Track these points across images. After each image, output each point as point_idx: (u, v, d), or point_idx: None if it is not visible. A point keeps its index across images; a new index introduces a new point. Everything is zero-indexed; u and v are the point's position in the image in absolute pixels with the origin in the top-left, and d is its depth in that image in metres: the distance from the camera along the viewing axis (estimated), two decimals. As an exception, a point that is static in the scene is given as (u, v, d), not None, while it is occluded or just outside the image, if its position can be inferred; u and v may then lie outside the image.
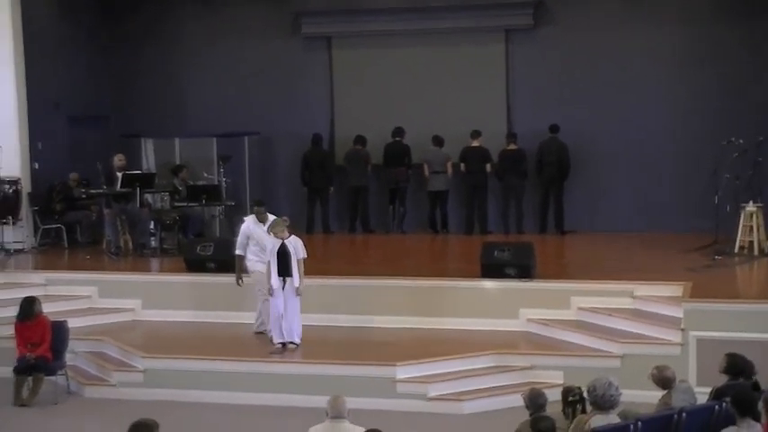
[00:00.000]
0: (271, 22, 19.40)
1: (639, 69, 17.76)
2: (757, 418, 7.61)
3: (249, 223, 13.00)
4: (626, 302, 13.00)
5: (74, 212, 17.65)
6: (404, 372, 11.86)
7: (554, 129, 17.69)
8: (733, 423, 7.78)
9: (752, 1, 16.61)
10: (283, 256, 12.25)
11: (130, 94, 19.72)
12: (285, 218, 12.69)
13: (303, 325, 12.56)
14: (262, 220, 12.90)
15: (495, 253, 13.67)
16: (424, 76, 18.69)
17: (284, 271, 12.26)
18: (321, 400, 8.46)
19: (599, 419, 7.82)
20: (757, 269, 14.29)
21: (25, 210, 17.12)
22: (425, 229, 18.40)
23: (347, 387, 10.66)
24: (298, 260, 12.28)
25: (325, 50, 19.32)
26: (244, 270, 13.10)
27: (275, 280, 12.27)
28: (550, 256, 15.53)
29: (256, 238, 12.83)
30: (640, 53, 17.76)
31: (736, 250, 14.77)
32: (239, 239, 13.04)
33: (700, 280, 13.04)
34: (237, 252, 13.06)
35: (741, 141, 15.13)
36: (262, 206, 13.09)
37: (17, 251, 16.82)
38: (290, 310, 12.33)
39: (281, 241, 12.26)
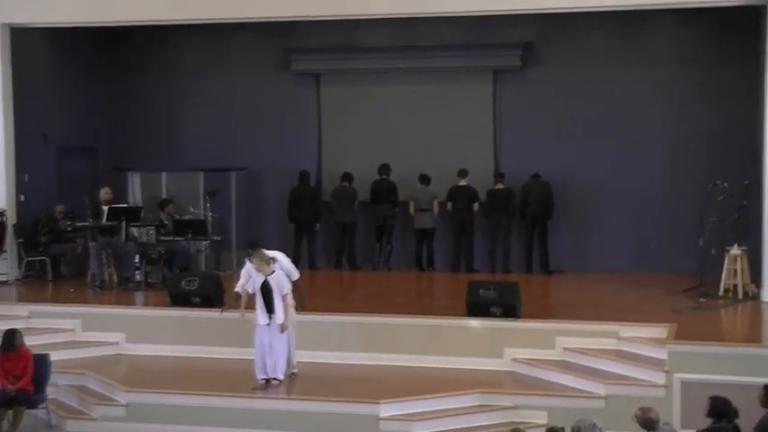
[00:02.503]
0: (261, 58, 19.49)
1: (627, 110, 17.88)
2: (740, 461, 7.61)
3: (249, 264, 12.57)
4: (611, 343, 12.99)
5: (59, 245, 17.60)
6: (387, 409, 11.79)
7: (536, 176, 17.78)
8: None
9: (743, 42, 16.73)
10: (266, 293, 12.19)
11: (119, 126, 19.77)
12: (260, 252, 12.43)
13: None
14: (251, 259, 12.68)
15: (481, 292, 13.66)
16: (412, 115, 18.77)
17: (267, 308, 12.20)
18: (304, 437, 8.42)
19: (583, 460, 7.80)
20: (741, 312, 14.32)
21: (10, 241, 17.06)
22: (411, 267, 18.40)
23: (330, 424, 10.67)
24: (283, 296, 12.23)
25: (313, 87, 19.41)
26: (234, 306, 12.80)
27: (262, 317, 12.22)
28: (536, 296, 15.53)
29: (252, 277, 12.50)
30: (628, 94, 17.89)
31: (721, 293, 14.80)
32: (241, 279, 12.65)
33: (684, 322, 13.06)
34: (236, 289, 12.70)
35: (727, 185, 15.20)
36: (247, 248, 12.85)
37: (1, 283, 16.76)
38: (275, 346, 12.28)
39: (263, 278, 12.20)
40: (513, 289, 13.79)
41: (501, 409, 12.06)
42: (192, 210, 18.01)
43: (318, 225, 18.63)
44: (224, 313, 13.08)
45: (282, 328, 12.22)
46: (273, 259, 12.40)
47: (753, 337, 13.02)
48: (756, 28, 15.70)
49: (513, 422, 11.21)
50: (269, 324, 12.20)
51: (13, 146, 17.21)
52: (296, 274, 12.72)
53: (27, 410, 12.11)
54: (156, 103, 19.82)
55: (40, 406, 12.32)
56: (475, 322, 13.52)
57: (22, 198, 17.53)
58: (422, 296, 16.86)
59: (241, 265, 12.91)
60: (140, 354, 14.17)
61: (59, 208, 17.84)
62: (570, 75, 18.18)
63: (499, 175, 18.05)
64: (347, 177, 18.58)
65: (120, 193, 17.97)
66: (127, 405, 12.41)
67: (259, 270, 12.22)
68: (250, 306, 12.49)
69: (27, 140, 17.52)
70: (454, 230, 18.14)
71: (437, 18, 17.42)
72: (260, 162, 19.26)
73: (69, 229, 17.47)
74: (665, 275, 16.56)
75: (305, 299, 13.02)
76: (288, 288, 12.32)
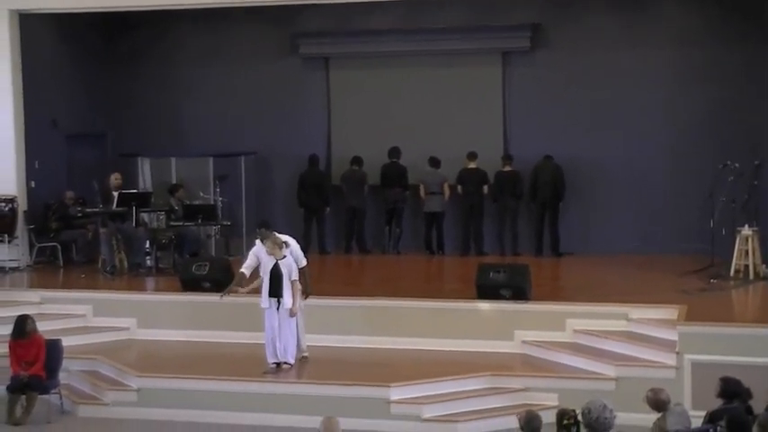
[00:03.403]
0: (269, 43, 19.44)
1: (636, 92, 17.79)
2: (751, 442, 7.61)
3: (258, 245, 12.61)
4: (621, 325, 12.99)
5: (69, 231, 17.62)
6: (398, 393, 11.83)
7: (548, 157, 17.73)
8: (727, 447, 7.77)
9: (749, 24, 16.67)
10: (276, 277, 12.20)
11: (128, 113, 19.76)
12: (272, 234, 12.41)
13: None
14: (263, 241, 12.68)
15: (491, 274, 13.67)
16: (421, 98, 18.70)
17: (275, 292, 12.22)
18: (315, 421, 8.42)
19: (593, 442, 7.77)
20: (752, 293, 14.30)
21: (21, 228, 17.11)
22: (421, 250, 18.39)
23: (341, 408, 10.66)
24: (292, 281, 12.24)
25: (322, 71, 19.36)
26: (240, 288, 12.76)
27: (265, 300, 12.24)
28: (546, 278, 15.51)
29: (261, 259, 12.51)
30: (637, 76, 17.79)
31: (732, 274, 14.77)
32: (248, 259, 12.67)
33: (695, 303, 13.05)
34: (242, 269, 12.71)
35: (737, 165, 15.16)
36: (261, 228, 12.82)
37: (12, 269, 16.82)
38: (284, 330, 12.31)
39: (274, 261, 12.22)
40: (522, 271, 13.80)
41: (511, 391, 12.09)
42: (201, 195, 18.02)
43: (328, 209, 18.61)
44: (224, 298, 12.92)
45: (291, 313, 12.25)
46: (286, 243, 12.42)
47: (764, 318, 12.97)
48: (761, 7, 15.64)
49: (524, 404, 11.22)
50: (270, 307, 12.22)
51: (22, 133, 17.26)
52: (303, 261, 12.70)
53: (40, 396, 12.18)
54: (164, 90, 19.79)
55: (53, 391, 12.38)
56: (485, 305, 13.52)
57: (33, 185, 17.56)
58: (432, 279, 16.86)
59: (251, 249, 12.90)
60: (151, 339, 14.22)
61: (69, 194, 17.86)
62: (579, 56, 18.05)
63: (507, 158, 18.00)
64: (357, 161, 18.56)
65: (130, 178, 18.01)
66: (138, 390, 12.47)
67: (271, 253, 12.24)
68: (256, 291, 12.53)
69: (36, 127, 17.54)
70: (463, 213, 18.11)
71: (445, 0, 17.36)
72: (269, 147, 19.24)
73: (80, 215, 17.50)
74: (674, 257, 16.50)
75: (309, 286, 12.98)
76: (296, 273, 12.33)
